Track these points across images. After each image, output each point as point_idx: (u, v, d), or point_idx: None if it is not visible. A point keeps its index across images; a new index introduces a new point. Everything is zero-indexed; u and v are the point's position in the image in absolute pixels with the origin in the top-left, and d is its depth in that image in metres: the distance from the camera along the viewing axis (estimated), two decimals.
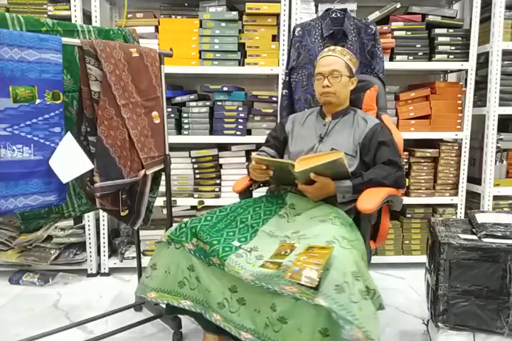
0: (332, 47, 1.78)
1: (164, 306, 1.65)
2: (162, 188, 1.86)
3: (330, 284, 1.18)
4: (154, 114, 1.73)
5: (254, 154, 1.69)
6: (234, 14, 2.37)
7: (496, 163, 2.52)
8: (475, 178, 2.61)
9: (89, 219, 2.43)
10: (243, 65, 2.43)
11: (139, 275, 2.01)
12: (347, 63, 1.73)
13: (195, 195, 2.49)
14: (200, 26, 2.39)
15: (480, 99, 2.58)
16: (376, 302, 1.33)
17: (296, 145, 1.78)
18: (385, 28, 2.38)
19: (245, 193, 1.84)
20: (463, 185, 2.53)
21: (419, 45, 2.46)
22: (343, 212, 1.55)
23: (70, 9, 2.31)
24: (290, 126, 1.85)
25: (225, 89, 2.42)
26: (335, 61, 1.71)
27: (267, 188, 1.86)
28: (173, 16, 2.45)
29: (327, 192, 1.57)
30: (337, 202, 1.57)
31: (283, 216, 1.61)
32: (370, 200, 1.49)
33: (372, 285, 1.31)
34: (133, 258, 2.50)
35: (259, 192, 1.86)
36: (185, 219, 1.57)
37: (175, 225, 1.56)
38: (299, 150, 1.74)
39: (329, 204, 1.59)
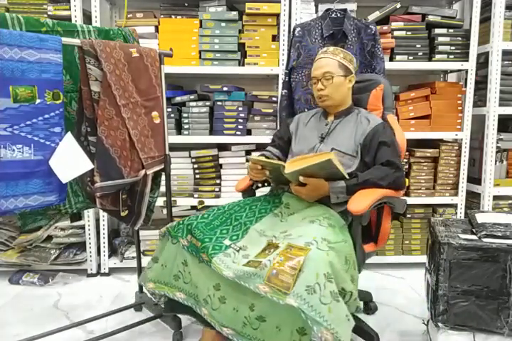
0: (324, 49, 1.78)
1: (163, 305, 1.68)
2: (162, 188, 1.86)
3: (301, 285, 1.19)
4: (154, 114, 1.73)
5: (252, 155, 1.70)
6: (234, 14, 2.37)
7: (496, 163, 2.52)
8: (475, 178, 2.61)
9: (89, 219, 2.43)
10: (243, 65, 2.43)
11: (139, 275, 2.01)
12: (340, 62, 1.72)
13: (195, 195, 2.49)
14: (200, 26, 2.39)
15: (480, 99, 2.58)
16: (352, 305, 1.33)
17: (298, 146, 1.79)
18: (385, 28, 2.38)
19: (248, 192, 1.86)
20: (463, 185, 2.53)
21: (419, 45, 2.46)
22: (335, 213, 1.54)
23: (70, 9, 2.31)
24: (294, 127, 1.86)
25: (225, 89, 2.42)
26: (326, 63, 1.72)
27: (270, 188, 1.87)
28: (173, 16, 2.44)
29: (321, 193, 1.56)
30: (331, 203, 1.56)
31: (277, 215, 1.62)
32: (360, 201, 1.47)
33: (349, 288, 1.31)
34: (133, 258, 2.50)
35: (262, 192, 1.87)
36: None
37: (175, 222, 1.61)
38: (300, 150, 1.75)
39: (324, 205, 1.58)
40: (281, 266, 1.24)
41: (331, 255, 1.28)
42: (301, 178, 1.52)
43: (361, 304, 1.38)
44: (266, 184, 1.91)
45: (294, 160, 1.56)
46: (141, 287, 2.00)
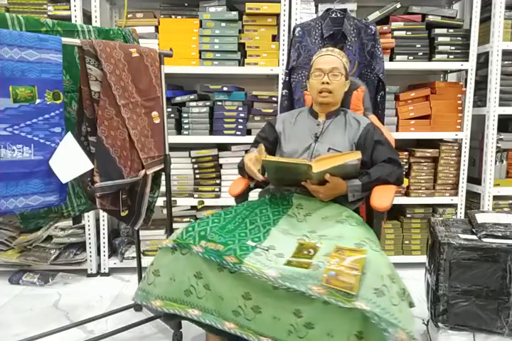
0: (331, 48, 1.79)
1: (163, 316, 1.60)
2: (162, 188, 1.86)
3: (369, 288, 1.17)
4: (154, 114, 1.73)
5: (258, 147, 1.64)
6: (234, 14, 2.37)
7: (496, 163, 2.52)
8: (475, 178, 2.61)
9: (89, 219, 2.43)
10: (243, 65, 2.43)
11: (139, 275, 2.01)
12: (344, 65, 1.74)
13: (195, 195, 2.49)
14: (200, 26, 2.39)
15: (480, 99, 2.58)
16: (409, 301, 1.33)
17: (290, 145, 1.75)
18: (385, 28, 2.38)
19: (242, 197, 1.79)
20: (463, 185, 2.53)
21: (419, 45, 2.46)
22: (352, 211, 1.57)
23: (70, 9, 2.31)
24: (281, 126, 1.82)
25: (225, 89, 2.42)
26: (335, 60, 1.72)
27: (260, 190, 1.82)
28: (173, 16, 2.45)
29: (338, 192, 1.58)
30: (347, 202, 1.59)
31: (292, 216, 1.58)
32: (384, 198, 1.53)
33: (402, 285, 1.30)
34: (133, 258, 2.50)
35: (253, 197, 1.83)
36: (189, 223, 1.50)
37: (179, 230, 1.47)
38: (293, 150, 1.72)
39: (336, 204, 1.60)
40: (339, 267, 1.20)
41: (384, 255, 1.29)
42: (327, 176, 1.52)
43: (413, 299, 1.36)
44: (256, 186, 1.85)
45: (320, 158, 1.55)
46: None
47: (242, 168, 1.77)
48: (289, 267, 1.25)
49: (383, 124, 2.27)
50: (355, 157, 1.52)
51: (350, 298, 1.16)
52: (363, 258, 1.22)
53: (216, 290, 1.34)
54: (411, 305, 1.34)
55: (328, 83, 1.69)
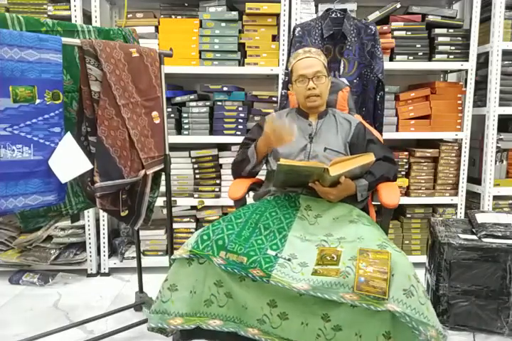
0: (307, 49, 1.76)
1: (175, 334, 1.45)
2: (162, 188, 1.86)
3: (398, 289, 1.18)
4: (154, 114, 1.73)
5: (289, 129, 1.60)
6: (234, 14, 2.37)
7: (496, 163, 2.52)
8: (475, 178, 2.61)
9: (89, 219, 2.43)
10: (243, 65, 2.43)
11: (139, 275, 2.01)
12: (323, 63, 1.73)
13: (195, 195, 2.49)
14: (200, 26, 2.39)
15: (480, 99, 2.58)
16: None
17: (285, 147, 1.69)
18: (385, 28, 2.38)
19: (241, 200, 1.75)
20: (463, 185, 2.53)
21: (419, 45, 2.46)
22: (360, 210, 1.58)
23: (70, 9, 2.31)
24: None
25: (225, 89, 2.42)
26: (315, 63, 1.70)
27: (253, 194, 1.81)
28: (173, 16, 2.45)
29: (349, 192, 1.59)
30: (355, 201, 1.61)
31: (302, 218, 1.56)
32: (392, 195, 1.57)
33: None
34: (133, 258, 2.50)
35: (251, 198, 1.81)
36: (202, 229, 1.41)
37: (193, 238, 1.38)
38: (288, 152, 1.70)
39: (343, 204, 1.60)
40: (367, 272, 1.21)
41: (406, 255, 1.30)
42: (342, 179, 1.54)
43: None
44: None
45: (335, 161, 1.55)
46: (141, 287, 2.00)
47: (237, 166, 1.77)
48: (317, 277, 1.24)
49: (382, 124, 2.28)
50: (369, 159, 1.56)
51: (382, 301, 1.18)
52: (389, 260, 1.23)
53: (239, 299, 1.30)
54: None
55: (314, 88, 1.68)
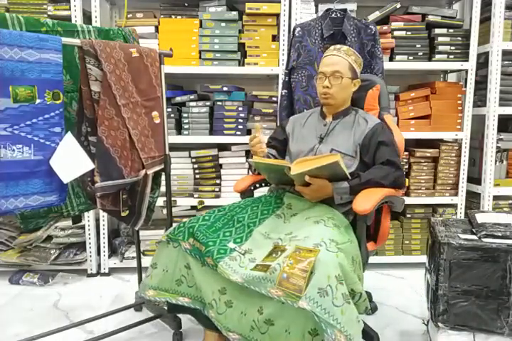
0: (338, 46, 1.74)
1: (166, 307, 1.66)
2: (162, 188, 1.86)
3: (314, 287, 1.19)
4: (154, 113, 1.73)
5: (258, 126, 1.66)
6: (234, 14, 2.37)
7: (496, 163, 2.52)
8: (475, 178, 2.61)
9: (89, 219, 2.43)
10: (243, 65, 2.43)
11: (139, 275, 2.01)
12: (351, 64, 1.69)
13: (195, 195, 2.49)
14: (200, 26, 2.39)
15: (480, 99, 2.58)
16: (362, 306, 1.34)
17: (296, 146, 1.78)
18: (385, 28, 2.38)
19: (247, 193, 1.84)
20: (463, 185, 2.53)
21: (419, 45, 2.46)
22: (339, 213, 1.54)
23: (70, 9, 2.31)
24: (291, 128, 1.85)
25: (225, 89, 2.42)
26: (339, 61, 1.68)
27: (268, 188, 1.86)
28: (173, 16, 2.44)
29: (324, 193, 1.56)
30: (334, 204, 1.57)
31: (280, 216, 1.60)
32: (366, 201, 1.47)
33: (358, 289, 1.31)
34: (133, 258, 2.50)
35: (260, 192, 1.87)
36: (185, 219, 1.59)
37: (175, 225, 1.58)
38: (298, 151, 1.74)
39: (326, 205, 1.58)
40: (292, 269, 1.24)
41: (340, 256, 1.28)
42: (306, 178, 1.51)
43: (369, 304, 1.37)
44: (263, 184, 1.90)
45: (299, 161, 1.55)
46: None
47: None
48: (252, 272, 1.32)
49: None
50: (331, 160, 1.46)
51: (298, 298, 1.20)
52: (314, 258, 1.24)
53: (197, 282, 1.46)
54: (366, 310, 1.36)
55: (328, 87, 1.68)
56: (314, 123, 1.81)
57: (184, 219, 1.60)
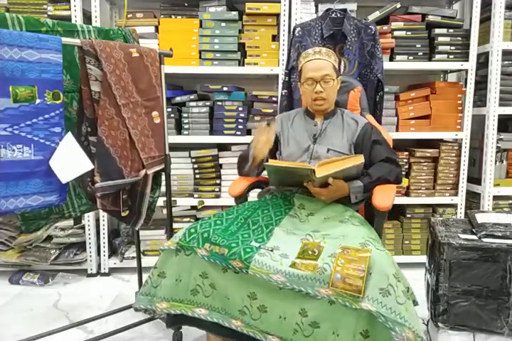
0: (317, 49, 1.73)
1: (162, 321, 1.60)
2: (162, 188, 1.86)
3: (374, 288, 1.18)
4: (154, 113, 1.73)
5: (267, 125, 1.65)
6: (234, 14, 2.37)
7: (496, 163, 2.52)
8: (475, 178, 2.61)
9: (89, 219, 2.43)
10: (243, 65, 2.43)
11: (139, 276, 2.01)
12: (333, 65, 1.71)
13: (195, 195, 2.49)
14: (200, 26, 2.39)
15: (480, 99, 2.58)
16: (412, 300, 1.33)
17: (288, 147, 1.76)
18: (385, 28, 2.38)
19: (241, 197, 1.78)
20: (463, 185, 2.53)
21: (419, 45, 2.46)
22: (355, 211, 1.57)
23: (70, 9, 2.31)
24: (279, 127, 1.82)
25: (225, 89, 2.42)
26: (325, 65, 1.68)
27: (259, 191, 1.83)
28: (173, 16, 2.45)
29: (341, 193, 1.59)
30: (350, 203, 1.60)
31: (294, 216, 1.59)
32: (386, 198, 1.54)
33: (407, 284, 1.32)
34: (133, 258, 2.50)
35: (253, 197, 1.83)
36: (189, 224, 1.50)
37: (181, 231, 1.46)
38: (292, 152, 1.73)
39: (338, 204, 1.60)
40: (346, 269, 1.21)
41: (389, 254, 1.29)
42: (330, 180, 1.53)
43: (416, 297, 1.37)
44: (260, 187, 1.88)
45: (322, 163, 1.54)
46: (141, 287, 2.00)
47: (239, 162, 1.79)
48: (294, 270, 1.26)
49: (381, 124, 2.28)
50: (357, 161, 1.54)
51: (357, 299, 1.17)
52: (368, 258, 1.23)
53: (222, 290, 1.36)
54: (415, 303, 1.35)
55: (321, 92, 1.68)
56: (303, 123, 1.79)
57: (185, 221, 1.56)
